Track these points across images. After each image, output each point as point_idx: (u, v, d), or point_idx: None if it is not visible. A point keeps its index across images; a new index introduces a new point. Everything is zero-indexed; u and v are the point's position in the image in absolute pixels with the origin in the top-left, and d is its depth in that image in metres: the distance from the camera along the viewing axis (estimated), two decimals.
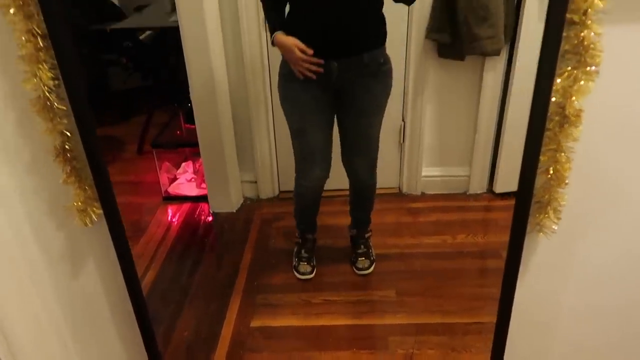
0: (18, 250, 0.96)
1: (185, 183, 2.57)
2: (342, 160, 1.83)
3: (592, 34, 0.74)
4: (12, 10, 0.74)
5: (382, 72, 1.63)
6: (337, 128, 1.77)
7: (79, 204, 0.89)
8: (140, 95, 3.26)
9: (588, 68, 0.76)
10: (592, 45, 0.75)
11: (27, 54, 0.78)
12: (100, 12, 3.01)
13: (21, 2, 0.74)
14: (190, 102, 2.26)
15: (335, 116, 1.74)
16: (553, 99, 0.80)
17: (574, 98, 0.78)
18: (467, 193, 2.44)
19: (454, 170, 2.41)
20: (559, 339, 1.15)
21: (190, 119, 2.44)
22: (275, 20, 1.60)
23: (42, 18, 0.75)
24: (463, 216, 2.33)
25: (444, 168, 2.42)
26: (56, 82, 0.81)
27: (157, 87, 3.13)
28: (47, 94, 0.80)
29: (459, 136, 2.34)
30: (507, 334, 1.05)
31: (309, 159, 1.74)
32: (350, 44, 1.54)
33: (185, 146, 2.61)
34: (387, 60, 1.63)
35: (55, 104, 0.81)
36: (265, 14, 1.66)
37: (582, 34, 0.74)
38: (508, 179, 2.33)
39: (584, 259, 1.05)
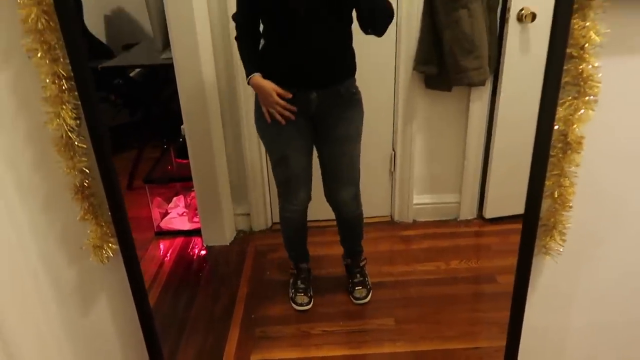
0: (32, 288, 0.95)
1: (177, 217, 2.56)
2: (325, 194, 1.85)
3: (590, 66, 0.80)
4: (39, 54, 0.77)
5: (354, 100, 1.70)
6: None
7: (96, 240, 0.90)
8: (129, 131, 3.25)
9: (587, 98, 0.81)
10: (590, 77, 0.80)
11: (52, 96, 0.80)
12: (90, 50, 3.03)
13: (48, 47, 0.77)
14: (180, 137, 2.27)
15: (315, 148, 1.78)
16: (556, 127, 0.84)
17: (575, 126, 0.83)
18: (458, 219, 2.47)
19: (445, 197, 2.46)
20: (568, 358, 1.17)
21: (180, 153, 2.45)
22: (251, 59, 1.64)
23: (68, 61, 0.77)
24: (455, 242, 2.37)
25: (435, 195, 2.47)
26: (77, 121, 0.83)
27: (146, 123, 3.14)
28: (69, 134, 0.81)
29: (448, 164, 2.39)
30: (517, 356, 1.07)
31: (294, 182, 1.77)
32: (328, 76, 1.61)
33: (177, 181, 2.61)
34: (357, 90, 1.71)
35: (77, 142, 0.83)
36: (240, 52, 1.68)
37: (581, 67, 0.79)
38: (497, 205, 2.38)
39: (590, 280, 1.08)
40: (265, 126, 1.70)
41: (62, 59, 0.78)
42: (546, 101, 0.82)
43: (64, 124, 0.81)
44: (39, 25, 0.75)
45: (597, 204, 1.00)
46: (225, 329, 1.89)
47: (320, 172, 1.83)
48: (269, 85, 1.57)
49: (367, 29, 1.54)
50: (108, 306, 1.04)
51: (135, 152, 2.83)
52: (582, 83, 0.80)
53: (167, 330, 1.91)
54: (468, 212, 2.47)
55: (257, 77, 1.60)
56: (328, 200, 1.86)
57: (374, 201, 2.34)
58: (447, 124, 2.32)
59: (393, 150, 2.38)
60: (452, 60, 2.05)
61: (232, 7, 2.02)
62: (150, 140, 2.93)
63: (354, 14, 1.56)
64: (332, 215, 1.99)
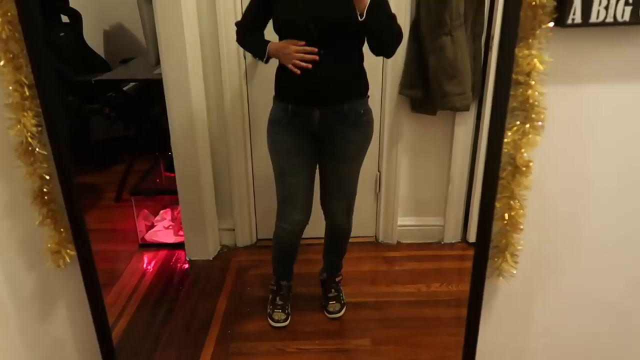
0: None
1: (162, 230, 2.57)
2: (321, 204, 1.88)
3: (536, 93, 0.82)
4: (1, 62, 0.80)
5: (362, 122, 1.72)
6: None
7: (53, 245, 0.91)
8: (122, 144, 3.30)
9: (534, 123, 0.83)
10: (536, 103, 0.82)
11: (14, 103, 0.83)
12: (87, 63, 3.10)
13: (11, 55, 0.80)
14: (170, 150, 2.30)
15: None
16: (505, 150, 0.86)
17: (523, 150, 0.85)
18: (442, 242, 2.48)
19: (429, 220, 2.47)
20: None
21: (170, 167, 2.47)
22: (256, 43, 1.71)
23: (30, 69, 0.80)
24: (438, 265, 2.37)
25: (419, 218, 2.48)
26: (39, 128, 0.86)
27: (139, 136, 3.18)
28: (30, 140, 0.84)
29: (433, 187, 2.41)
30: None
31: (288, 201, 1.79)
32: (331, 94, 1.64)
33: (165, 194, 2.62)
34: (367, 111, 1.73)
35: (37, 149, 0.85)
36: (246, 47, 1.80)
37: (528, 93, 0.81)
38: None
39: (545, 302, 1.09)
40: (270, 140, 1.76)
41: (25, 67, 0.81)
42: (495, 124, 0.84)
43: (25, 130, 0.83)
44: (3, 34, 0.78)
45: (549, 226, 1.01)
46: (200, 344, 1.88)
47: (319, 183, 1.86)
48: (281, 42, 1.62)
49: (376, 50, 1.60)
50: (66, 312, 1.05)
51: (126, 165, 2.86)
52: (529, 108, 0.83)
53: (141, 343, 1.90)
54: (452, 235, 2.47)
55: (270, 44, 1.65)
56: (322, 208, 1.89)
57: (358, 221, 2.32)
58: (432, 147, 2.34)
59: (378, 171, 2.40)
60: (437, 85, 2.09)
61: (223, 26, 2.10)
62: (142, 154, 2.97)
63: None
64: (318, 234, 2.01)
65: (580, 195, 1.00)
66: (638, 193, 1.02)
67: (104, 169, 3.22)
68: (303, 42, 1.58)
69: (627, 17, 0.89)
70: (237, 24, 1.78)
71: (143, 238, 2.50)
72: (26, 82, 0.82)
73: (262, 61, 1.71)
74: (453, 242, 2.48)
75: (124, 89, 2.93)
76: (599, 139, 0.97)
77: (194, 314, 2.06)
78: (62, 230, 0.92)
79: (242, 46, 1.83)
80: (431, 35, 2.05)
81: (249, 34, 1.74)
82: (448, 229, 2.46)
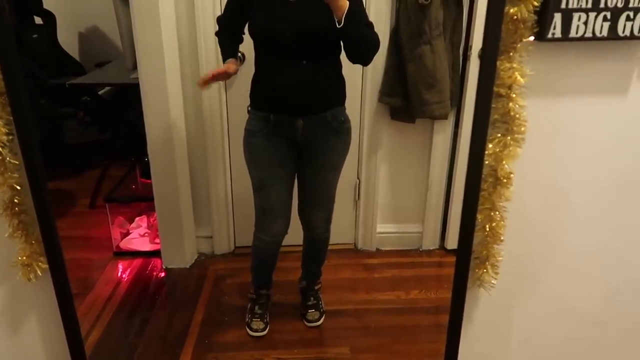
0: None
1: (138, 238, 2.52)
2: (299, 213, 1.87)
3: (517, 105, 0.83)
4: None
5: (343, 129, 1.72)
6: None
7: (24, 258, 0.88)
8: (96, 149, 3.23)
9: (515, 135, 0.84)
10: (517, 115, 0.83)
11: None
12: (61, 66, 3.03)
13: None
14: (147, 156, 2.25)
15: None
16: (486, 162, 0.87)
17: (504, 162, 0.86)
18: (420, 249, 2.49)
19: (408, 227, 2.47)
20: None
21: (147, 173, 2.42)
22: (226, 50, 1.72)
23: (1, 76, 0.77)
24: (416, 272, 2.38)
25: (398, 225, 2.48)
26: (10, 137, 0.82)
27: (115, 141, 3.12)
28: (0, 149, 0.81)
29: (412, 194, 2.42)
30: None
31: (269, 213, 1.76)
32: (315, 102, 1.64)
33: (140, 201, 2.57)
34: (346, 119, 1.73)
35: (8, 158, 0.82)
36: (219, 44, 1.77)
37: (509, 106, 0.82)
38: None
39: (523, 312, 1.10)
40: (249, 151, 1.72)
41: None
42: (476, 137, 0.85)
43: None
44: None
45: (528, 238, 1.03)
46: (176, 355, 1.85)
47: (297, 191, 1.84)
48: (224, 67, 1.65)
49: (353, 58, 1.59)
50: (38, 326, 1.01)
51: (100, 170, 2.80)
52: (510, 121, 0.84)
53: (116, 355, 1.86)
54: (430, 242, 2.49)
55: (228, 63, 1.67)
56: (300, 217, 1.88)
57: (338, 228, 2.33)
58: (411, 155, 2.35)
59: (358, 179, 2.40)
60: (416, 93, 2.10)
61: (202, 30, 2.08)
62: (118, 159, 2.91)
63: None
64: (297, 241, 1.99)
65: (558, 206, 1.02)
66: (614, 205, 1.04)
67: (78, 174, 3.14)
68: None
69: (605, 33, 0.91)
70: (218, 20, 1.79)
71: (118, 246, 2.45)
72: None
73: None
74: (431, 248, 2.49)
75: (99, 92, 2.87)
76: (576, 151, 0.99)
77: (170, 324, 2.02)
78: (33, 242, 0.88)
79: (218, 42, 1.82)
80: (410, 44, 2.06)
81: (226, 34, 1.74)
82: (426, 235, 2.48)
